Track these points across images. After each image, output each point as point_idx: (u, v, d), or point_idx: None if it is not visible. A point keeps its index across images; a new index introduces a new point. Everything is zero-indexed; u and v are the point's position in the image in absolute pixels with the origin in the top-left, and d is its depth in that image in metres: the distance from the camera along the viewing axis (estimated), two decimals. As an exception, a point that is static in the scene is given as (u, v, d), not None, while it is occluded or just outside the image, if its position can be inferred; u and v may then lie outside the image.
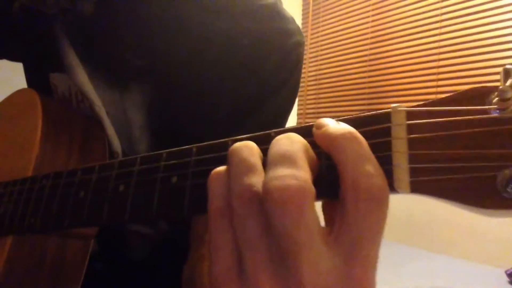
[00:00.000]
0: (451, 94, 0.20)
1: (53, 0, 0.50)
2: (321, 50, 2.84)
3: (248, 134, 0.24)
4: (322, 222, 0.20)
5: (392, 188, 0.19)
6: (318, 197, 0.19)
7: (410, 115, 0.20)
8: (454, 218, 2.06)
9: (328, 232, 0.19)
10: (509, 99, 0.18)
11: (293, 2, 2.98)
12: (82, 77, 0.51)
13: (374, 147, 0.20)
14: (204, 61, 0.51)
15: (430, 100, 0.20)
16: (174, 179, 0.26)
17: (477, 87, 0.19)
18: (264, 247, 0.19)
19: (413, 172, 0.19)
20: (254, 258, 0.19)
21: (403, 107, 0.20)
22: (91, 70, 0.51)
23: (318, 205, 0.23)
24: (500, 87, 0.18)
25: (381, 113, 0.21)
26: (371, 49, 2.50)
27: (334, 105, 2.74)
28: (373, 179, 0.18)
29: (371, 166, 0.19)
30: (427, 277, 1.62)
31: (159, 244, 0.57)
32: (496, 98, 0.18)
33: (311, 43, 2.90)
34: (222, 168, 0.22)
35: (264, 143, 0.21)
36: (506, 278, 1.61)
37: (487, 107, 0.19)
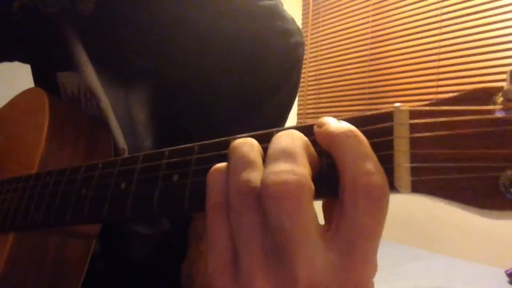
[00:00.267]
0: (455, 94, 0.20)
1: (52, 0, 0.50)
2: (321, 50, 2.84)
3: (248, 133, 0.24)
4: (322, 221, 0.20)
5: (393, 187, 0.19)
6: (318, 196, 0.19)
7: (413, 114, 0.20)
8: (454, 218, 2.06)
9: (326, 229, 0.19)
10: None
11: (293, 2, 2.98)
12: (91, 74, 0.51)
13: (375, 146, 0.19)
14: (204, 60, 0.51)
15: (433, 100, 0.20)
16: (175, 177, 0.26)
17: (481, 87, 0.19)
18: (259, 244, 0.19)
19: (415, 171, 0.19)
20: (250, 254, 0.19)
21: (406, 106, 0.20)
22: (97, 69, 0.52)
23: (319, 204, 0.23)
24: (505, 87, 0.18)
25: (383, 113, 0.21)
26: (371, 49, 2.50)
27: (334, 105, 2.74)
28: (372, 177, 0.18)
29: (371, 164, 0.19)
30: (427, 277, 1.62)
31: (160, 244, 0.57)
32: (501, 99, 0.18)
33: (311, 43, 2.90)
34: (222, 164, 0.22)
35: (265, 142, 0.21)
36: (506, 278, 1.61)
37: (491, 107, 0.18)
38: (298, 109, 2.97)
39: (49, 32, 0.54)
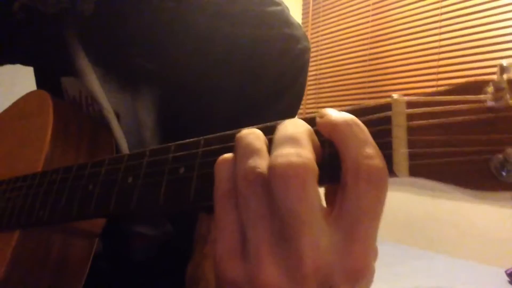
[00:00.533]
0: (449, 86, 0.21)
1: (53, 0, 0.50)
2: (321, 50, 2.84)
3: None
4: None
5: (392, 172, 0.20)
6: (320, 182, 0.20)
7: (410, 104, 0.21)
8: (454, 218, 2.06)
9: (329, 211, 0.20)
10: (502, 89, 0.19)
11: (293, 2, 2.98)
12: (92, 81, 0.51)
13: (374, 134, 0.21)
14: (204, 61, 0.51)
15: (429, 92, 0.21)
16: (182, 170, 0.27)
17: (473, 80, 0.20)
18: (266, 226, 0.20)
19: (412, 156, 0.20)
20: (257, 236, 0.20)
21: (403, 97, 0.21)
22: (103, 73, 0.52)
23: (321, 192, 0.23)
24: (495, 79, 0.19)
25: (382, 103, 0.22)
26: (371, 49, 2.51)
27: (334, 105, 2.74)
28: (373, 160, 0.19)
29: (371, 149, 0.20)
30: (427, 277, 1.62)
31: (162, 246, 0.57)
32: (491, 89, 0.19)
33: (311, 43, 2.90)
34: (229, 154, 0.23)
35: (270, 133, 0.23)
36: (506, 278, 1.61)
37: (482, 96, 0.20)
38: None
39: (50, 35, 0.54)
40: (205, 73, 0.52)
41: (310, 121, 0.23)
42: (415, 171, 0.20)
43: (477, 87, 0.20)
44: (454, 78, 2.09)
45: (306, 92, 2.91)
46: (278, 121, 0.23)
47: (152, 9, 0.51)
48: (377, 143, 0.20)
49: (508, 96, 0.19)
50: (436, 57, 2.15)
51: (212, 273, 0.53)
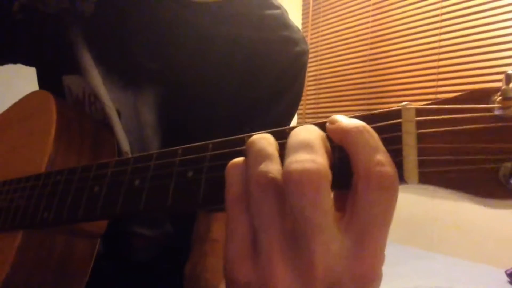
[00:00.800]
0: (457, 94, 0.21)
1: (52, 0, 0.50)
2: (321, 50, 2.84)
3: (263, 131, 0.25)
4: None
5: (402, 179, 0.20)
6: (331, 188, 0.20)
7: (420, 112, 0.21)
8: (454, 218, 2.06)
9: (340, 217, 0.21)
10: (510, 99, 0.19)
11: (293, 2, 2.98)
12: (96, 79, 0.51)
13: (385, 141, 0.21)
14: (204, 62, 0.52)
15: (438, 100, 0.22)
16: (190, 173, 0.27)
17: (480, 88, 0.21)
18: (279, 229, 0.20)
19: (422, 164, 0.20)
20: (269, 239, 0.20)
21: (413, 105, 0.22)
22: (106, 72, 0.52)
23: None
24: (503, 87, 0.20)
25: (392, 111, 0.22)
26: (371, 49, 2.51)
27: (334, 105, 2.74)
28: (384, 167, 0.20)
29: (382, 156, 0.20)
30: (427, 277, 1.63)
31: (163, 246, 0.58)
32: (499, 98, 0.20)
33: (311, 43, 2.90)
34: (239, 159, 0.23)
35: (279, 138, 0.23)
36: (506, 278, 1.61)
37: (490, 105, 0.20)
38: (298, 109, 2.97)
39: (52, 34, 0.54)
40: (205, 74, 0.52)
41: (320, 126, 0.23)
42: (424, 179, 0.20)
43: (485, 95, 0.20)
44: (454, 79, 2.09)
45: (306, 92, 2.91)
46: (288, 126, 0.24)
47: (152, 9, 0.51)
48: (387, 150, 0.20)
49: None
50: (436, 57, 2.15)
51: (210, 272, 0.54)
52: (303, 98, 2.91)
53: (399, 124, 0.21)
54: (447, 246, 2.07)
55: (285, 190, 0.20)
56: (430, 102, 0.22)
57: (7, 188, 0.44)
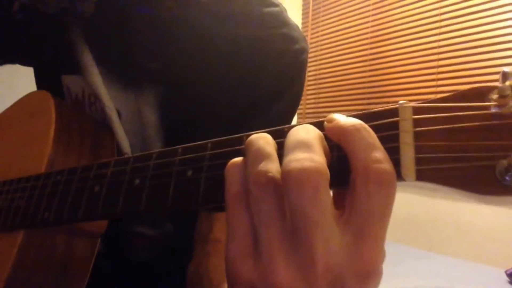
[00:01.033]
0: (454, 93, 0.22)
1: (52, 0, 0.51)
2: (321, 50, 2.84)
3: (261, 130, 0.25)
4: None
5: (400, 176, 0.21)
6: (330, 186, 0.21)
7: (416, 110, 0.21)
8: (454, 218, 2.06)
9: (339, 214, 0.21)
10: (507, 96, 0.19)
11: (293, 2, 2.98)
12: (96, 79, 0.51)
13: (382, 139, 0.21)
14: (204, 61, 0.52)
15: (435, 98, 0.22)
16: (190, 173, 0.28)
17: (477, 86, 0.21)
18: (279, 227, 0.20)
19: (419, 161, 0.21)
20: (269, 237, 0.20)
21: (410, 103, 0.22)
22: (106, 72, 0.52)
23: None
24: (499, 85, 0.20)
25: (389, 109, 0.22)
26: (371, 49, 2.51)
27: (334, 105, 2.74)
28: (382, 164, 0.20)
29: (380, 153, 0.20)
30: (427, 277, 1.63)
31: (164, 245, 0.58)
32: (496, 96, 0.20)
33: (311, 43, 2.90)
34: (239, 158, 0.23)
35: (277, 137, 0.23)
36: (506, 278, 1.61)
37: (487, 103, 0.20)
38: (298, 109, 2.97)
39: (52, 34, 0.54)
40: (205, 73, 0.52)
41: (318, 125, 0.23)
42: (422, 176, 0.20)
43: (481, 93, 0.21)
44: (453, 78, 2.09)
45: (306, 92, 2.91)
46: (286, 126, 0.24)
47: (151, 9, 0.51)
48: (385, 148, 0.21)
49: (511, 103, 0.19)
50: (435, 57, 2.15)
51: (213, 272, 0.54)
52: (303, 98, 2.91)
53: (396, 123, 0.22)
54: (447, 246, 2.07)
55: (284, 188, 0.20)
56: (427, 100, 0.22)
57: (7, 188, 0.44)
